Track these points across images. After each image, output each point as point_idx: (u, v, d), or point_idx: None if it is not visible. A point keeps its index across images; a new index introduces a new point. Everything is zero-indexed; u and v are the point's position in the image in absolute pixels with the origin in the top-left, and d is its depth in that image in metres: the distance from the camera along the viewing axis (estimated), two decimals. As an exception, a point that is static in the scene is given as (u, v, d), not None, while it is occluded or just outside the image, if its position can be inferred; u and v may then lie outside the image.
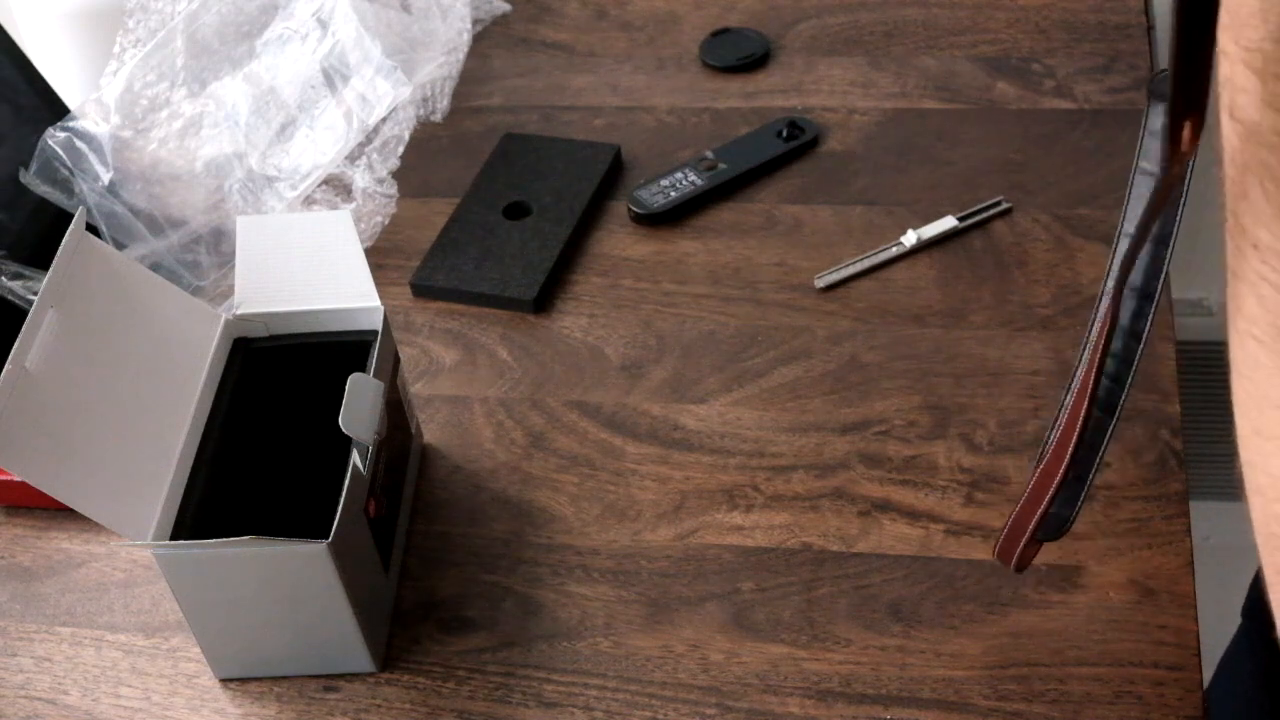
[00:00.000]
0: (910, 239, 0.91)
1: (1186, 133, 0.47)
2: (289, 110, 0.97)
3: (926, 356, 0.85)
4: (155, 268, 0.90)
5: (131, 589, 0.79)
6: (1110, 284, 0.64)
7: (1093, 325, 0.65)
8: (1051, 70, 1.04)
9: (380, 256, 0.96)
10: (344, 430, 0.68)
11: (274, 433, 0.78)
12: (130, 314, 0.71)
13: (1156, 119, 0.62)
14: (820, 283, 0.90)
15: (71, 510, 0.65)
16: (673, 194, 0.97)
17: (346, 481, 0.68)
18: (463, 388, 0.88)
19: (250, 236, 0.76)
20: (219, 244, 0.94)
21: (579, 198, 0.98)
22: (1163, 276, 0.63)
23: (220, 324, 0.77)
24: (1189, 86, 0.47)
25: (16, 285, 0.86)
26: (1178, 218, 0.62)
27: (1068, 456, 0.62)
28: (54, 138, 0.93)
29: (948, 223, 0.92)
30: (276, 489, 0.77)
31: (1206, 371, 1.63)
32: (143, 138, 0.96)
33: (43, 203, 0.93)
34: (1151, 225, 0.61)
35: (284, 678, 0.73)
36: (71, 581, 0.80)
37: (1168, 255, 0.62)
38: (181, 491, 0.71)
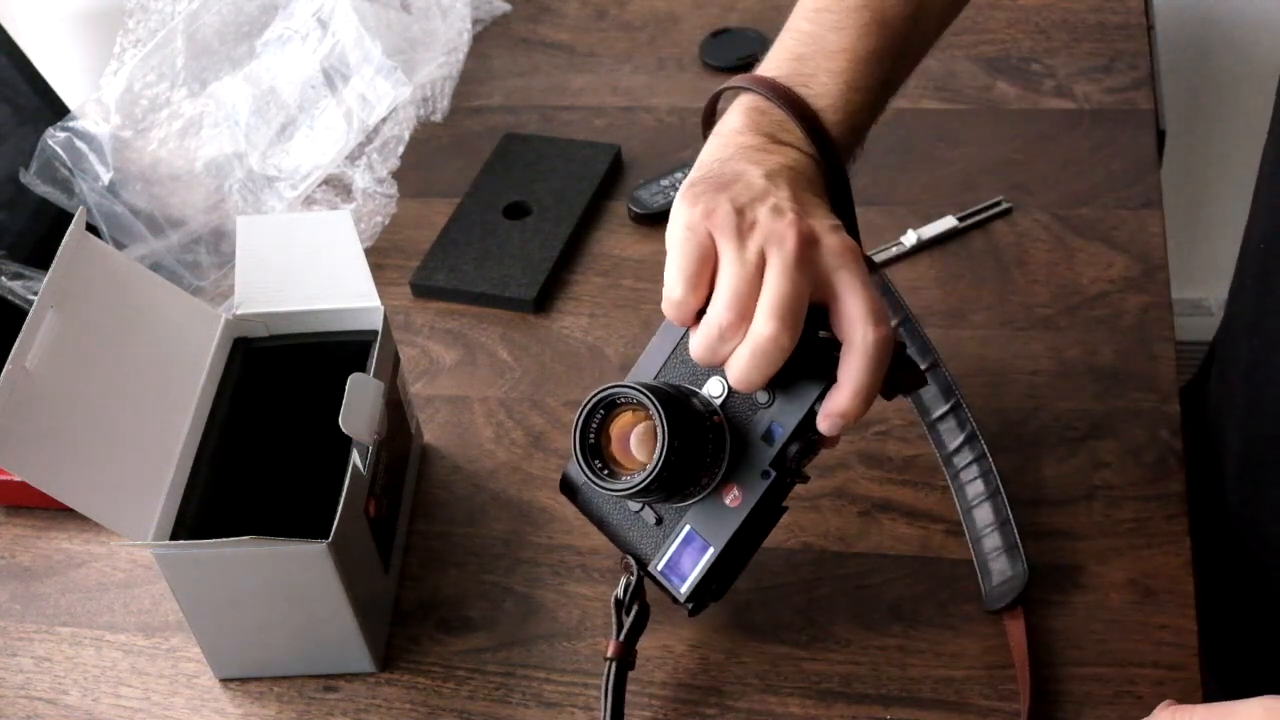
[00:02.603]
0: (910, 239, 0.91)
1: None
2: (289, 110, 0.97)
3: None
4: (155, 268, 0.90)
5: (131, 589, 0.79)
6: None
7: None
8: (1051, 70, 1.04)
9: (380, 256, 0.96)
10: (344, 430, 0.68)
11: (274, 433, 0.78)
12: (130, 314, 0.71)
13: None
14: (820, 283, 0.90)
15: (71, 510, 0.65)
16: (673, 194, 0.96)
17: (346, 481, 0.68)
18: (463, 388, 0.88)
19: (250, 236, 0.76)
20: (219, 244, 0.94)
21: (579, 198, 0.98)
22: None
23: (220, 324, 0.77)
24: None
25: (16, 285, 0.86)
26: None
27: None
28: (54, 138, 0.93)
29: (948, 223, 0.92)
30: (276, 489, 0.77)
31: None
32: (143, 138, 0.95)
33: (43, 203, 0.93)
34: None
35: (284, 678, 0.73)
36: (71, 581, 0.80)
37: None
38: (181, 491, 0.71)
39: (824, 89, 0.68)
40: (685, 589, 0.66)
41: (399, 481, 0.78)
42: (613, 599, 0.68)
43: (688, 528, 0.65)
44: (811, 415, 0.62)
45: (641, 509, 0.67)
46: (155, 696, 0.74)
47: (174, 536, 0.69)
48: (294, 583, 0.68)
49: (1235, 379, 0.81)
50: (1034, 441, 0.79)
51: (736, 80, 0.69)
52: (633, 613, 0.67)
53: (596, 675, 0.71)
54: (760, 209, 0.61)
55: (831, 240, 0.61)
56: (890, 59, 0.70)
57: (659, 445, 0.60)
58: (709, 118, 0.71)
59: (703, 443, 0.62)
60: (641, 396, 0.61)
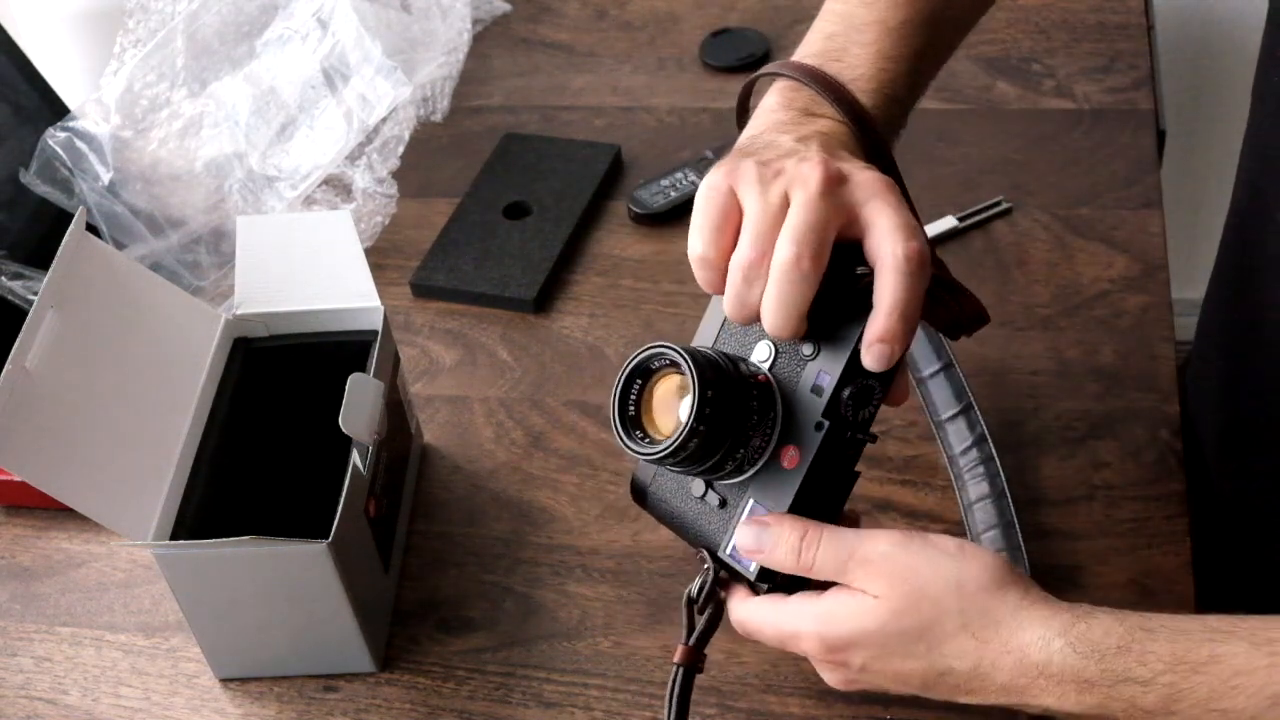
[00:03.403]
0: (910, 239, 0.91)
1: None
2: (289, 110, 0.97)
3: (926, 356, 0.85)
4: (155, 268, 0.90)
5: (131, 589, 0.79)
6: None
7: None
8: (1051, 70, 1.04)
9: (380, 256, 0.96)
10: (344, 430, 0.68)
11: (274, 433, 0.78)
12: (130, 314, 0.71)
13: None
14: (820, 283, 0.90)
15: (71, 510, 0.65)
16: (673, 194, 0.97)
17: (346, 481, 0.68)
18: (463, 388, 0.88)
19: (250, 236, 0.76)
20: (219, 244, 0.94)
21: (579, 198, 0.98)
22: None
23: (220, 324, 0.77)
24: None
25: (16, 285, 0.86)
26: None
27: None
28: (54, 138, 0.93)
29: (948, 223, 0.92)
30: (276, 489, 0.77)
31: (1206, 371, 1.62)
32: (143, 138, 0.96)
33: (43, 203, 0.93)
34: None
35: (284, 678, 0.73)
36: (71, 581, 0.80)
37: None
38: (181, 491, 0.71)
39: (855, 60, 0.67)
40: (755, 566, 0.61)
41: (399, 481, 0.78)
42: (684, 596, 0.63)
43: (750, 502, 0.61)
44: (857, 355, 0.58)
45: (705, 494, 0.63)
46: (155, 696, 0.74)
47: (174, 536, 0.69)
48: (294, 583, 0.68)
49: (1216, 355, 0.81)
50: (1034, 441, 0.79)
51: (767, 68, 0.68)
52: (706, 614, 0.62)
53: (597, 675, 0.71)
54: (787, 160, 0.59)
55: (863, 175, 0.59)
56: (924, 30, 0.69)
57: (693, 396, 0.58)
58: (742, 110, 0.70)
59: (746, 398, 0.59)
60: (672, 353, 0.59)
